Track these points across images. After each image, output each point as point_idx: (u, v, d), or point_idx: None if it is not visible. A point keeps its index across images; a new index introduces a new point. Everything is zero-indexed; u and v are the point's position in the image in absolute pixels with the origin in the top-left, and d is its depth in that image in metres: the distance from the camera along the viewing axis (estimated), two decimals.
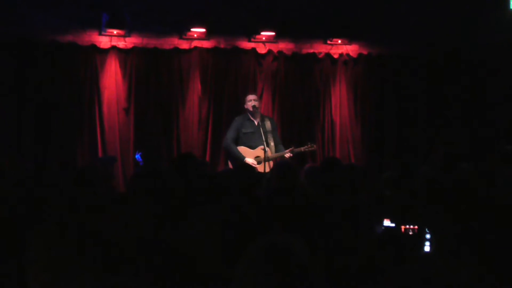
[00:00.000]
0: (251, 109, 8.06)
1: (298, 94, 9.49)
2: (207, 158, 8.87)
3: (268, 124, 8.03)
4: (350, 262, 3.23)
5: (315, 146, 8.21)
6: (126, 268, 2.77)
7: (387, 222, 3.90)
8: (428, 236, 3.60)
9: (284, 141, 8.97)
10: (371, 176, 5.37)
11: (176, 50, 8.98)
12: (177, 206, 3.82)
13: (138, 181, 4.00)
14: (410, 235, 3.81)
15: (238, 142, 8.03)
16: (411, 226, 3.75)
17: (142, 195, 3.85)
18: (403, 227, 3.75)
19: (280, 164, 5.57)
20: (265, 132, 7.71)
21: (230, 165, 7.99)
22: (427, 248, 3.63)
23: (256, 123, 8.06)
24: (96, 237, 2.03)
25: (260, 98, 9.09)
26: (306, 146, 8.09)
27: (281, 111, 9.40)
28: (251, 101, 8.09)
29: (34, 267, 2.05)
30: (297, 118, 9.45)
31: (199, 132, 9.03)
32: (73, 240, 2.10)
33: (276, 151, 7.98)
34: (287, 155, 7.90)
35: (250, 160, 7.82)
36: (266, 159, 7.66)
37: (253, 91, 8.73)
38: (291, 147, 8.02)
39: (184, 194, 4.06)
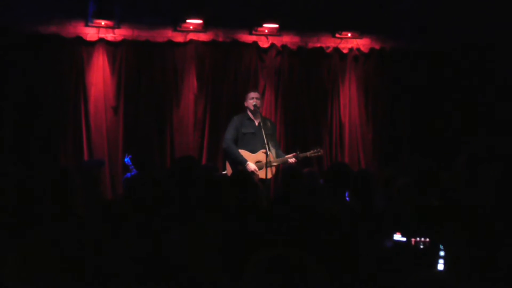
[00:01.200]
0: (252, 107, 8.04)
1: (303, 92, 9.49)
2: (203, 162, 8.85)
3: (268, 126, 8.01)
4: (356, 277, 3.22)
5: (321, 151, 8.18)
6: (120, 280, 2.80)
7: (397, 236, 3.88)
8: (442, 253, 3.60)
9: (287, 145, 8.97)
10: (383, 184, 5.36)
11: (170, 43, 8.97)
12: (174, 215, 3.82)
13: (134, 188, 3.99)
14: (421, 248, 3.81)
15: (236, 143, 8.01)
16: (422, 239, 3.73)
17: (137, 203, 3.84)
18: (413, 239, 3.74)
19: (287, 170, 5.55)
20: (266, 135, 7.69)
21: (228, 169, 7.96)
22: (440, 266, 3.62)
23: (256, 123, 8.04)
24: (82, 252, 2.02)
25: (262, 96, 9.07)
26: (312, 151, 8.07)
27: (284, 111, 9.40)
28: (253, 99, 8.07)
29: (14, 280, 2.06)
30: (302, 120, 9.45)
31: (194, 134, 9.02)
32: (56, 259, 2.10)
33: (276, 156, 7.95)
34: (291, 160, 7.88)
35: (252, 166, 7.79)
36: (268, 164, 7.64)
37: (255, 89, 8.71)
38: (295, 152, 7.99)
39: (184, 203, 4.06)
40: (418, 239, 3.80)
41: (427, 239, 3.75)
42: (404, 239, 3.88)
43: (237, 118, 8.14)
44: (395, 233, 3.92)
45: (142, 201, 3.98)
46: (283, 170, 6.22)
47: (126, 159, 7.97)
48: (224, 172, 8.01)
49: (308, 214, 3.65)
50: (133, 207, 3.73)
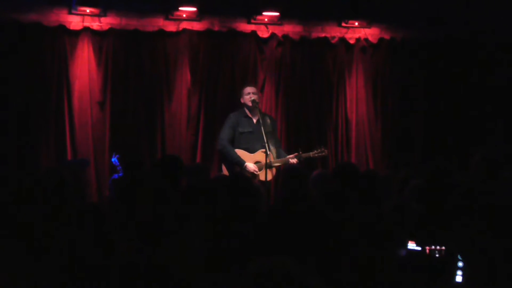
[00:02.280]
0: (249, 104, 8.03)
1: (306, 86, 9.49)
2: (197, 161, 8.85)
3: (268, 123, 7.99)
4: None
5: (326, 151, 8.19)
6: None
7: (412, 245, 3.86)
8: (460, 263, 3.58)
9: (289, 145, 8.96)
10: (394, 185, 5.35)
11: (161, 33, 8.96)
12: (162, 219, 3.81)
13: (121, 190, 3.98)
14: (437, 258, 3.80)
15: (233, 143, 8.00)
16: (438, 247, 3.72)
17: (124, 206, 3.83)
18: (428, 248, 3.72)
19: (287, 170, 5.53)
20: (266, 133, 7.67)
21: (225, 171, 7.94)
22: (458, 277, 3.60)
23: (254, 121, 8.03)
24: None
25: (261, 91, 9.06)
26: (315, 151, 8.06)
27: (286, 107, 9.40)
28: (250, 94, 8.06)
29: None
30: (305, 116, 9.47)
31: (188, 132, 9.02)
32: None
33: (277, 155, 7.93)
34: (292, 161, 7.85)
35: (251, 166, 7.78)
36: (268, 165, 7.62)
37: (253, 83, 8.70)
38: (297, 152, 7.97)
39: (173, 205, 4.05)
40: (433, 247, 3.78)
41: (443, 248, 3.73)
42: (418, 247, 3.86)
43: (233, 116, 8.12)
44: (408, 241, 3.90)
45: (131, 204, 3.97)
46: (283, 171, 6.18)
47: (113, 159, 7.93)
48: (220, 174, 7.97)
49: (313, 221, 3.63)
50: (122, 210, 3.72)
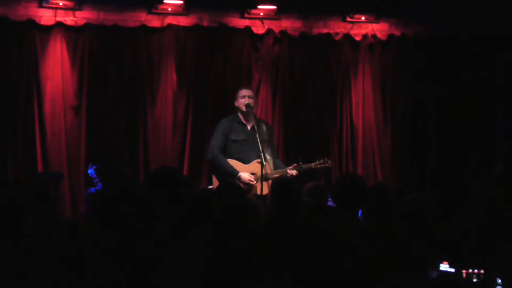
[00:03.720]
0: (243, 108, 8.00)
1: (307, 89, 9.51)
2: (185, 172, 8.84)
3: (264, 130, 7.96)
4: None
5: (329, 161, 8.15)
6: None
7: (444, 266, 3.84)
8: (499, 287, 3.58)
9: (288, 155, 8.98)
10: (408, 200, 5.33)
11: (144, 28, 8.97)
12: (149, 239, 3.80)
13: (102, 205, 3.96)
14: (474, 283, 3.78)
15: (225, 152, 7.96)
16: (476, 271, 3.69)
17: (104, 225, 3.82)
18: (464, 271, 3.70)
19: (277, 182, 5.51)
20: (262, 141, 7.65)
21: (215, 183, 7.91)
22: None
23: (249, 127, 8.01)
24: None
25: (256, 94, 9.04)
26: (317, 162, 8.03)
27: (283, 112, 9.41)
28: (245, 97, 8.03)
29: None
30: (305, 122, 9.49)
31: (174, 139, 9.02)
32: None
33: (274, 167, 7.91)
34: (291, 172, 7.83)
35: (246, 176, 7.75)
36: (264, 177, 7.60)
37: (247, 85, 8.68)
38: (297, 162, 7.94)
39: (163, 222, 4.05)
40: (470, 270, 3.76)
41: (482, 271, 3.71)
42: (452, 269, 3.84)
43: (226, 122, 8.09)
44: (441, 262, 3.88)
45: (110, 221, 3.95)
46: (272, 184, 6.18)
47: (89, 171, 7.95)
48: (210, 187, 7.96)
49: (310, 239, 3.61)
50: (100, 228, 3.70)
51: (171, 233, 4.01)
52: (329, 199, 5.74)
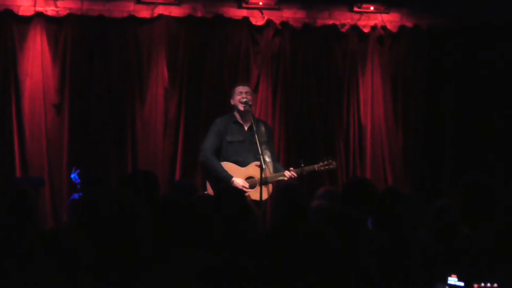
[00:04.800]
0: (241, 107, 7.99)
1: (310, 86, 9.52)
2: (177, 177, 8.83)
3: (262, 131, 7.95)
4: None
5: (334, 163, 8.15)
6: None
7: (453, 279, 3.84)
8: None
9: (289, 157, 8.99)
10: (420, 207, 5.32)
11: (132, 19, 8.99)
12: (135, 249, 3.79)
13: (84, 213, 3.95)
14: None
15: (220, 155, 7.97)
16: (489, 285, 3.69)
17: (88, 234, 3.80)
18: (476, 285, 3.69)
19: (282, 188, 5.51)
20: (261, 142, 7.65)
21: (209, 190, 7.91)
22: None
23: (246, 128, 8.00)
24: None
25: (254, 91, 9.03)
26: (321, 163, 8.04)
27: (285, 111, 9.44)
28: (242, 94, 8.02)
29: None
30: (308, 122, 9.51)
31: (165, 141, 9.04)
32: None
33: (274, 170, 7.90)
34: (289, 174, 7.85)
35: (239, 182, 7.75)
36: (264, 181, 7.59)
37: (244, 81, 8.66)
38: (299, 164, 7.97)
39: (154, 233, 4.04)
40: (483, 284, 3.75)
41: (495, 285, 3.70)
42: (461, 283, 3.83)
43: (221, 122, 8.10)
44: (449, 275, 3.87)
45: (97, 231, 3.93)
46: (276, 189, 6.16)
47: (72, 175, 7.92)
48: (205, 193, 7.95)
49: (317, 250, 3.61)
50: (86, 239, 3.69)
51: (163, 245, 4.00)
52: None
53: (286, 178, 7.80)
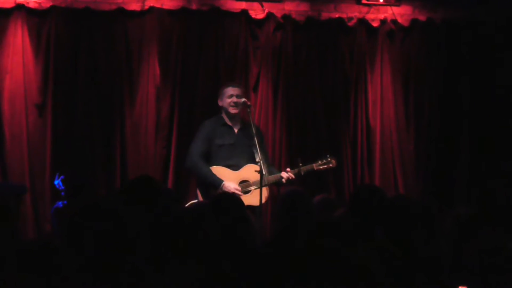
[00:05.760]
0: (231, 110, 8.00)
1: (314, 84, 9.53)
2: (169, 184, 8.87)
3: (254, 133, 7.91)
4: None
5: (334, 161, 8.20)
6: None
7: None
8: None
9: (291, 163, 8.89)
10: (434, 215, 5.32)
11: (121, 12, 9.01)
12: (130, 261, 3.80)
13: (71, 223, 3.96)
14: None
15: (209, 160, 8.01)
16: None
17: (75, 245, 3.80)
18: None
19: (286, 195, 5.51)
20: (253, 145, 7.72)
21: (200, 197, 7.94)
22: None
23: (236, 130, 8.03)
24: None
25: (253, 90, 9.04)
26: (319, 162, 8.13)
27: (287, 112, 9.47)
28: (233, 97, 8.02)
29: None
30: (312, 123, 9.54)
31: (156, 144, 9.05)
32: None
33: (269, 173, 7.94)
34: (287, 175, 7.88)
35: (231, 185, 7.75)
36: (257, 184, 7.64)
37: (235, 82, 8.61)
38: (296, 164, 8.03)
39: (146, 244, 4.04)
40: None
41: None
42: None
43: (209, 124, 8.16)
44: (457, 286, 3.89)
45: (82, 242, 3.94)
46: (281, 197, 6.16)
47: (56, 181, 7.93)
48: (193, 202, 7.95)
49: (322, 261, 3.61)
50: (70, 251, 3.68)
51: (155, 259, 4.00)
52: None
53: (283, 180, 7.82)
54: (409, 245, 4.55)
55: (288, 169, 7.92)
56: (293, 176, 7.88)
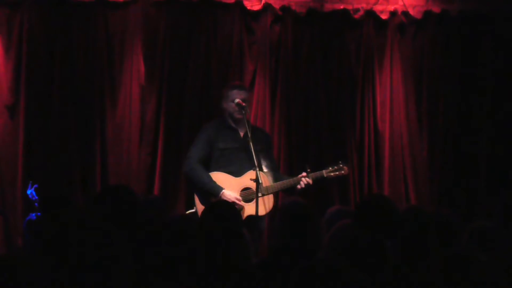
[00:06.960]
0: (237, 115, 7.96)
1: (316, 83, 9.53)
2: (155, 192, 8.87)
3: (259, 138, 7.98)
4: None
5: (346, 168, 8.18)
6: None
7: None
8: None
9: (291, 170, 8.91)
10: (452, 230, 5.30)
11: (102, 3, 9.03)
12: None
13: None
14: None
15: (210, 165, 7.96)
16: None
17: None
18: None
19: (287, 208, 5.48)
20: (257, 151, 7.71)
21: (199, 206, 7.88)
22: None
23: (241, 134, 8.00)
24: None
25: (249, 90, 9.02)
26: (330, 168, 8.11)
27: (286, 114, 9.48)
28: (237, 98, 7.98)
29: None
30: (314, 127, 9.52)
31: (140, 149, 9.08)
32: None
33: (274, 179, 7.95)
34: (305, 181, 7.88)
35: (231, 194, 7.74)
36: (260, 192, 7.58)
37: (241, 82, 8.63)
38: (304, 170, 7.98)
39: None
40: None
41: None
42: None
43: (211, 127, 8.16)
44: None
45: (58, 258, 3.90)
46: (280, 209, 6.12)
47: (29, 191, 7.91)
48: (191, 211, 7.96)
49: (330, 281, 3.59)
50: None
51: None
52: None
53: (302, 186, 7.85)
54: (424, 261, 4.54)
55: (299, 176, 7.87)
56: (311, 182, 7.85)
